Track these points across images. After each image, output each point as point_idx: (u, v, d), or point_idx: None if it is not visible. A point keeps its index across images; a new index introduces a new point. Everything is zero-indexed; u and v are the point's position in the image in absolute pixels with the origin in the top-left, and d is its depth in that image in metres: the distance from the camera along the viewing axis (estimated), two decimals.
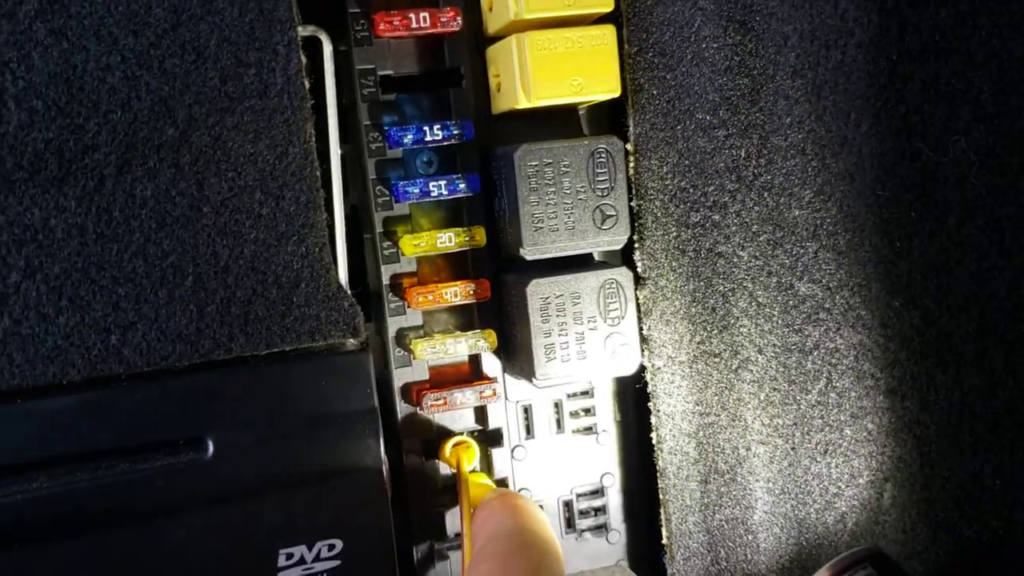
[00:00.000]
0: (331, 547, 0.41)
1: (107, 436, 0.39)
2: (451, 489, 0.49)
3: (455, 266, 0.49)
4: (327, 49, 0.44)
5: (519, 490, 0.51)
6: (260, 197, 0.40)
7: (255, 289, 0.40)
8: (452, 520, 0.49)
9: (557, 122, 0.50)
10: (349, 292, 0.43)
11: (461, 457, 0.48)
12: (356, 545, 0.42)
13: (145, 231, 0.39)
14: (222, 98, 0.39)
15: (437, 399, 0.48)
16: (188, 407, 0.40)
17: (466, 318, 0.50)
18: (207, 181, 0.39)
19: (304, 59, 0.42)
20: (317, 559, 0.41)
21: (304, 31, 0.42)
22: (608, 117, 0.51)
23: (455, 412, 0.50)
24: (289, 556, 0.41)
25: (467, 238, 0.47)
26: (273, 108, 0.40)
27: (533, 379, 0.47)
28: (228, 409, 0.40)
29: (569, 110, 0.50)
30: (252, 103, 0.40)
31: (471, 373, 0.50)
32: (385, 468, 0.43)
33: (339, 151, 0.45)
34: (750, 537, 0.49)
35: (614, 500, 0.53)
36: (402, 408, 0.48)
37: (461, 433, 0.50)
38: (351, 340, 0.43)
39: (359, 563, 0.42)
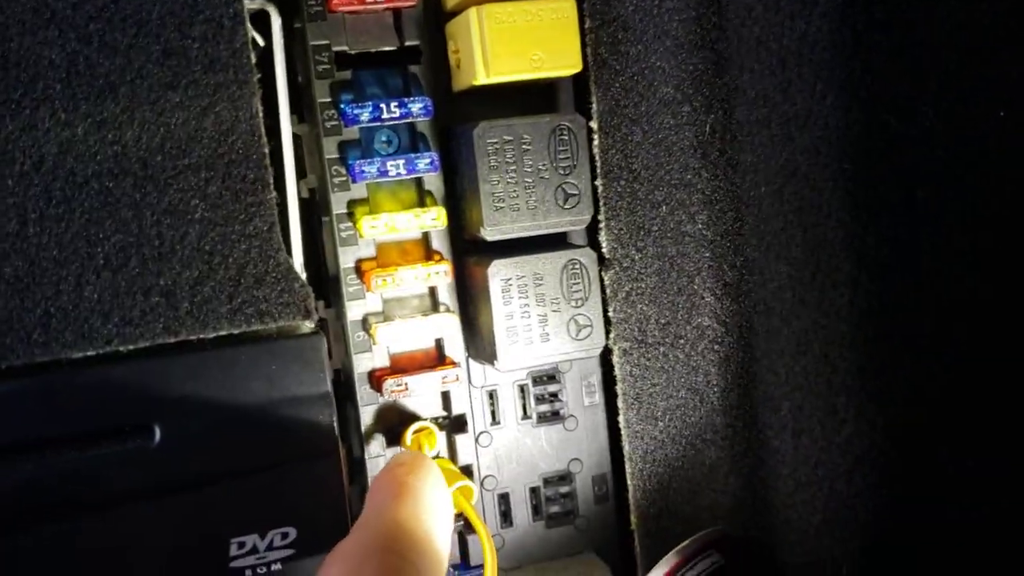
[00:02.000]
0: (284, 535, 0.40)
1: (50, 424, 0.38)
2: None
3: (417, 248, 0.48)
4: (276, 23, 0.42)
5: (484, 477, 0.50)
6: (206, 175, 0.39)
7: (202, 271, 0.38)
8: None
9: (520, 99, 0.49)
10: (301, 273, 0.42)
11: (422, 444, 0.47)
12: (310, 533, 0.41)
13: (87, 211, 0.37)
14: (166, 73, 0.38)
15: (397, 385, 0.47)
16: (134, 393, 0.38)
17: (429, 302, 0.49)
18: (150, 159, 0.38)
19: (254, 34, 0.41)
20: (270, 548, 0.40)
21: (252, 4, 0.41)
22: (573, 94, 0.50)
23: (419, 398, 0.49)
24: (241, 545, 0.40)
25: (427, 219, 0.46)
26: (218, 83, 0.39)
27: (495, 363, 0.46)
28: (176, 395, 0.39)
29: (531, 87, 0.49)
30: (197, 78, 0.38)
31: (436, 359, 0.49)
32: (342, 455, 0.42)
33: (290, 129, 0.44)
34: (719, 523, 0.48)
35: (582, 486, 0.52)
36: (363, 394, 0.47)
37: (424, 419, 0.48)
38: (303, 323, 0.41)
39: (313, 551, 0.41)
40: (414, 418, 0.48)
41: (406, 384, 0.47)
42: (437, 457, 0.48)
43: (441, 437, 0.49)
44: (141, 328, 0.38)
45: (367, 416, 0.47)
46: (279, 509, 0.40)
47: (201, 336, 0.39)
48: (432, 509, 0.37)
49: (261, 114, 0.40)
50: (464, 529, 0.50)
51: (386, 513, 0.36)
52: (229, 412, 0.39)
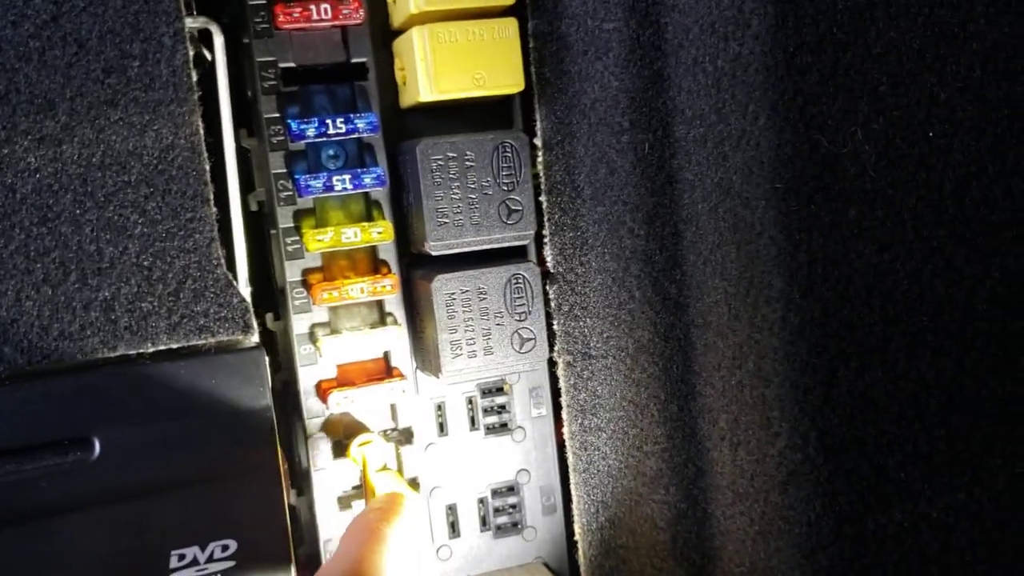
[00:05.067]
0: (225, 548, 0.41)
1: None
2: (360, 487, 0.49)
3: (365, 261, 0.49)
4: (218, 41, 0.43)
5: (432, 489, 0.50)
6: (146, 191, 0.39)
7: (141, 285, 0.39)
8: None
9: (468, 116, 0.49)
10: (245, 287, 0.43)
11: (366, 456, 0.47)
12: (251, 546, 0.41)
13: (26, 227, 0.38)
14: (105, 91, 0.39)
15: (344, 397, 0.47)
16: (73, 407, 0.39)
17: (376, 315, 0.49)
18: (90, 176, 0.38)
19: (203, 50, 0.41)
20: (210, 560, 0.41)
21: (194, 23, 0.42)
22: (520, 112, 0.50)
23: (366, 410, 0.49)
24: (181, 557, 0.40)
25: (374, 233, 0.47)
26: (158, 101, 0.39)
27: (439, 374, 0.46)
28: (115, 409, 0.39)
29: (479, 104, 0.49)
30: (136, 96, 0.39)
31: (384, 370, 0.50)
32: (283, 467, 0.43)
33: (234, 144, 0.44)
34: (659, 532, 0.49)
35: (529, 497, 0.52)
36: (310, 406, 0.48)
37: (371, 431, 0.49)
38: (243, 337, 0.42)
39: (254, 564, 0.41)
40: (361, 429, 0.49)
41: (352, 397, 0.47)
42: (383, 468, 0.49)
43: (388, 448, 0.49)
44: (80, 342, 0.38)
45: (313, 428, 0.48)
46: (219, 521, 0.41)
47: (140, 351, 0.39)
48: (398, 555, 0.40)
49: (202, 131, 0.40)
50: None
51: (353, 556, 0.38)
52: (169, 425, 0.40)
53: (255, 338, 0.42)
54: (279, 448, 0.42)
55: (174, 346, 0.40)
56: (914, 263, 0.42)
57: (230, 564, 0.41)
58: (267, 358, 0.42)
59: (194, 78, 0.40)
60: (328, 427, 0.48)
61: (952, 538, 0.42)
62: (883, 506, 0.43)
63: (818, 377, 0.42)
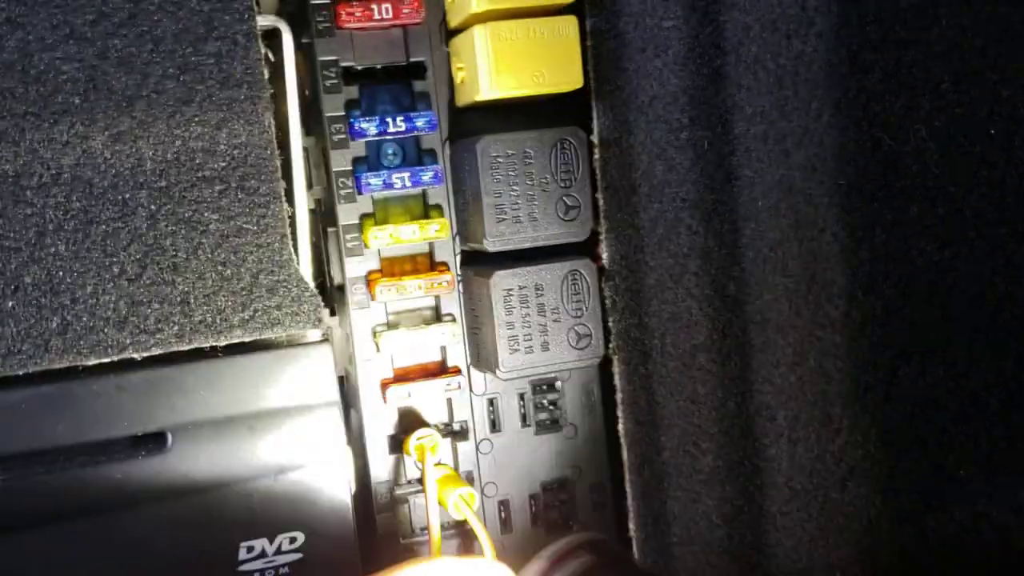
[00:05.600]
0: (292, 540, 0.41)
1: (66, 430, 0.39)
2: (417, 483, 0.49)
3: (424, 263, 0.49)
4: (287, 40, 0.43)
5: (485, 484, 0.51)
6: (220, 188, 0.40)
7: (215, 280, 0.39)
8: (419, 514, 0.49)
9: (523, 113, 0.50)
10: (311, 283, 0.43)
11: (425, 451, 0.47)
12: (318, 538, 0.41)
13: (103, 222, 0.38)
14: (181, 88, 0.39)
15: (401, 392, 0.47)
16: (148, 400, 0.39)
17: (433, 312, 0.50)
18: (166, 172, 0.39)
19: (265, 49, 0.42)
20: (279, 552, 0.41)
21: (264, 21, 0.42)
22: (574, 108, 0.51)
23: (421, 406, 0.50)
24: (250, 549, 0.41)
25: (431, 230, 0.47)
26: (232, 98, 0.40)
27: (497, 371, 0.47)
28: (188, 402, 0.40)
29: (535, 101, 0.50)
30: (211, 94, 0.39)
31: (439, 367, 0.50)
32: (348, 461, 0.43)
33: (300, 142, 0.45)
34: (716, 530, 0.49)
35: (581, 494, 0.52)
36: (368, 402, 0.48)
37: (427, 427, 0.49)
38: (312, 332, 0.42)
39: (321, 556, 0.42)
40: (417, 425, 0.49)
41: (409, 392, 0.48)
42: (439, 464, 0.49)
43: (444, 444, 0.50)
44: (156, 336, 0.39)
45: (371, 423, 0.48)
46: (287, 514, 0.41)
47: (214, 344, 0.40)
48: None
49: (273, 128, 0.41)
50: (461, 537, 0.50)
51: None
52: (239, 418, 0.40)
53: (321, 332, 0.43)
54: (345, 441, 0.43)
55: (246, 340, 0.40)
56: (975, 261, 0.42)
57: (298, 556, 0.41)
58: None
59: (266, 76, 0.41)
60: (385, 422, 0.49)
61: (1012, 537, 0.43)
62: (943, 505, 0.43)
63: (879, 374, 0.43)
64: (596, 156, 0.48)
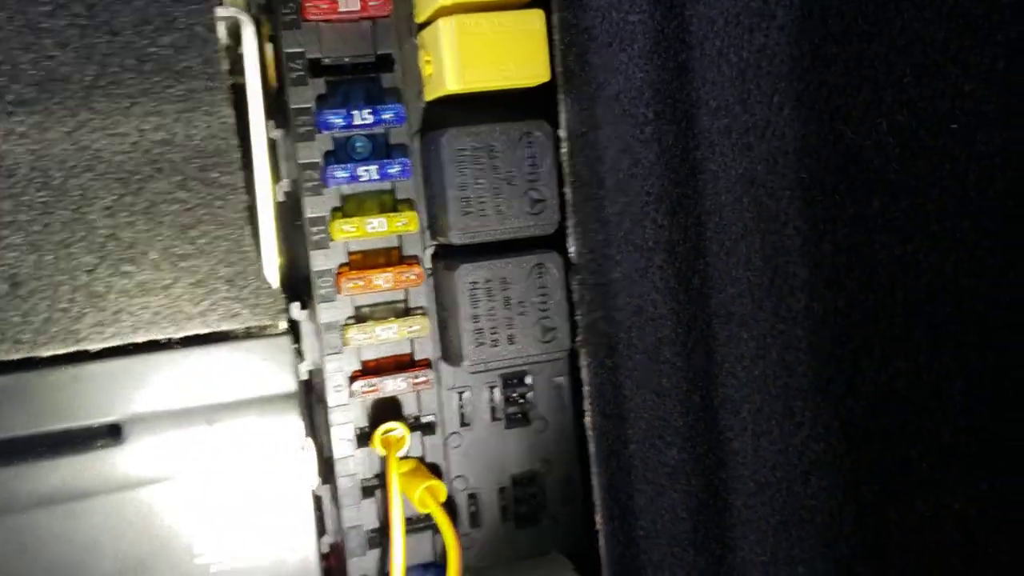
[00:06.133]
0: (253, 533, 0.41)
1: (21, 421, 0.39)
2: (383, 476, 0.49)
3: (395, 256, 0.49)
4: (248, 31, 0.43)
5: (455, 478, 0.51)
6: (178, 180, 0.40)
7: (172, 272, 0.39)
8: (383, 508, 0.49)
9: (492, 107, 0.50)
10: (275, 275, 0.43)
11: (391, 444, 0.47)
12: (279, 530, 0.41)
13: (60, 215, 0.38)
14: (139, 80, 0.39)
15: (368, 386, 0.47)
16: (104, 391, 0.39)
17: (401, 305, 0.50)
18: (124, 164, 0.39)
19: (229, 41, 0.42)
20: (239, 545, 0.41)
21: (225, 13, 0.42)
22: (543, 102, 0.51)
23: (389, 399, 0.50)
24: (209, 542, 0.41)
25: (399, 223, 0.47)
26: (191, 90, 0.40)
27: (462, 363, 0.47)
28: (144, 394, 0.40)
29: (503, 95, 0.50)
30: (170, 85, 0.39)
31: (408, 361, 0.50)
32: (311, 455, 0.43)
33: (264, 133, 0.45)
34: (680, 523, 0.49)
35: (551, 487, 0.52)
36: (335, 395, 0.48)
37: (395, 420, 0.49)
38: (271, 324, 0.42)
39: (280, 551, 0.42)
40: (385, 419, 0.49)
41: (376, 385, 0.48)
42: (407, 457, 0.49)
43: (412, 438, 0.50)
44: (112, 327, 0.39)
45: (338, 416, 0.48)
46: (245, 507, 0.41)
47: (171, 336, 0.40)
48: None
49: (233, 120, 0.41)
50: (433, 529, 0.50)
51: None
52: (197, 411, 0.40)
53: (283, 324, 0.43)
54: (306, 435, 0.43)
55: (204, 331, 0.41)
56: (938, 254, 0.42)
57: (259, 549, 0.41)
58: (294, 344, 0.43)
59: (226, 67, 0.41)
60: (352, 415, 0.49)
61: (975, 529, 0.43)
62: (905, 497, 0.43)
63: (841, 367, 0.43)
64: (563, 150, 0.48)
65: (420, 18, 0.48)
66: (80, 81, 0.38)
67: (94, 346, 0.39)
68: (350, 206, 0.48)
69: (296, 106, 0.46)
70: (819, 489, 0.44)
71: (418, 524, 0.50)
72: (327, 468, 0.49)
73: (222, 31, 0.42)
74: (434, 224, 0.49)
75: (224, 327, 0.41)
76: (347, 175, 0.46)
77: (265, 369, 0.41)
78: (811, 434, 0.43)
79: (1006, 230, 0.42)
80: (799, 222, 0.42)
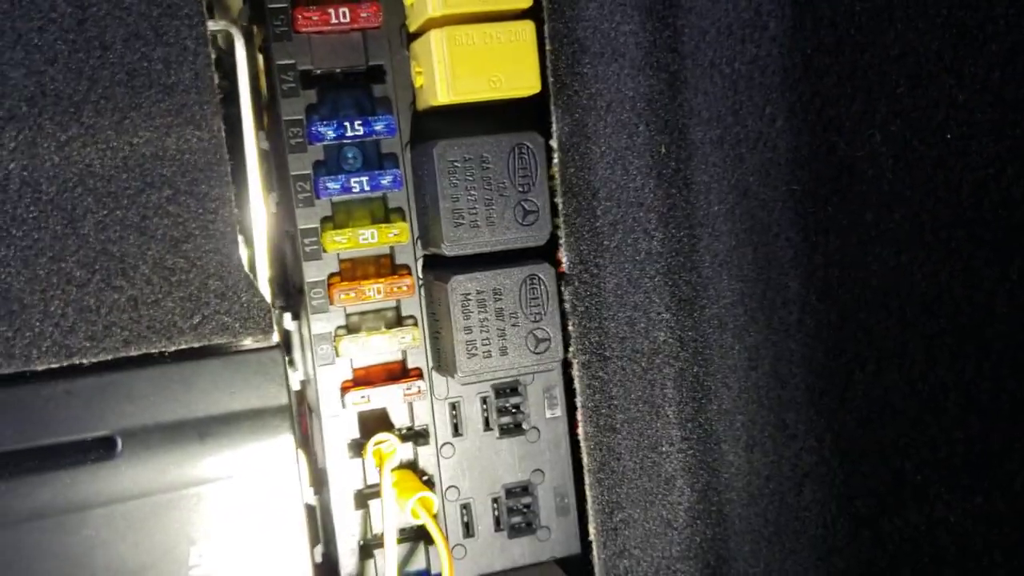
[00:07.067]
0: (243, 543, 0.41)
1: (14, 434, 0.39)
2: (375, 486, 0.49)
3: (386, 267, 0.49)
4: (239, 44, 0.43)
5: (447, 488, 0.51)
6: (168, 193, 0.40)
7: (164, 286, 0.39)
8: (379, 519, 0.49)
9: (483, 118, 0.50)
10: (266, 288, 0.43)
11: (383, 455, 0.47)
12: (272, 541, 0.41)
13: (51, 228, 0.38)
14: (129, 94, 0.39)
15: (360, 397, 0.47)
16: (97, 405, 0.39)
17: (393, 316, 0.50)
18: (114, 178, 0.39)
19: (215, 54, 0.42)
20: (229, 554, 0.41)
21: (216, 26, 0.42)
22: (535, 113, 0.51)
23: (382, 410, 0.49)
24: (200, 553, 0.41)
25: (390, 235, 0.47)
26: (181, 104, 0.40)
27: (455, 375, 0.46)
28: (137, 407, 0.40)
29: (495, 106, 0.49)
30: (160, 99, 0.39)
31: (400, 371, 0.50)
32: (301, 467, 0.43)
33: (255, 146, 0.44)
34: (674, 533, 0.49)
35: (544, 497, 0.52)
36: (327, 406, 0.48)
37: (387, 431, 0.49)
38: (263, 336, 0.42)
39: (273, 560, 0.42)
40: (377, 429, 0.49)
41: (368, 396, 0.47)
42: (399, 468, 0.49)
43: (404, 449, 0.50)
44: (104, 341, 0.39)
45: (330, 427, 0.48)
46: (238, 519, 0.41)
47: (163, 349, 0.40)
48: None
49: (223, 133, 0.41)
50: (426, 540, 0.50)
51: None
52: (189, 424, 0.40)
53: (275, 337, 0.43)
54: (297, 446, 0.43)
55: (196, 345, 0.40)
56: (932, 265, 0.42)
57: (252, 560, 0.41)
58: (285, 357, 0.43)
59: (216, 81, 0.41)
60: (345, 426, 0.48)
61: (969, 542, 0.43)
62: (900, 509, 0.43)
63: (834, 380, 0.43)
64: (555, 161, 0.48)
65: (412, 28, 0.48)
66: (71, 96, 0.38)
67: (86, 360, 0.39)
68: (340, 215, 0.48)
69: (287, 117, 0.46)
70: (812, 501, 0.44)
71: (411, 534, 0.50)
72: (320, 478, 0.49)
73: (212, 44, 0.41)
74: (426, 235, 0.49)
75: (216, 340, 0.41)
76: (339, 186, 0.46)
77: (257, 382, 0.41)
78: (804, 446, 0.43)
79: (1001, 240, 0.42)
80: (792, 233, 0.42)
